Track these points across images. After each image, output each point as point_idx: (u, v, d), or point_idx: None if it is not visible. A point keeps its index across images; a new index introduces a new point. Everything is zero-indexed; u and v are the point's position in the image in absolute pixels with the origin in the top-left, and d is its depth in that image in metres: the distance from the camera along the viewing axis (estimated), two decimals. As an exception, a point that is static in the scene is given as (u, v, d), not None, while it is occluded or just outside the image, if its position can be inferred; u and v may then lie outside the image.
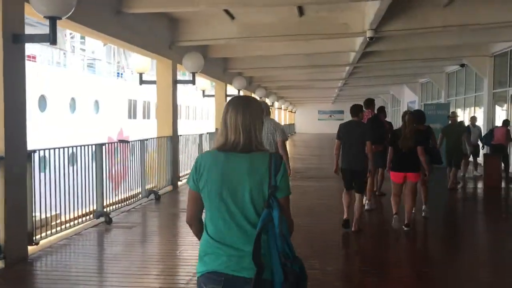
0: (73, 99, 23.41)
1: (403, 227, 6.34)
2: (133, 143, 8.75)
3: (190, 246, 5.85)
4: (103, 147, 7.26)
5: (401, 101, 30.20)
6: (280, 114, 39.11)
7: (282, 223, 2.01)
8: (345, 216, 6.38)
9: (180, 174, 11.25)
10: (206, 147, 12.97)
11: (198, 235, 2.23)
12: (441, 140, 9.70)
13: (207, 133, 13.31)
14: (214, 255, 2.08)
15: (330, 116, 50.86)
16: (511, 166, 11.19)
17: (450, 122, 10.59)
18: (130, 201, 8.35)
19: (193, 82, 10.44)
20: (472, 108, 16.86)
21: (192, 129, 17.90)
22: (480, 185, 11.39)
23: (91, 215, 6.97)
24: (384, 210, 7.85)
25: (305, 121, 51.08)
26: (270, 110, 7.03)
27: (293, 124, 50.15)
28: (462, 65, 16.90)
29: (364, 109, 7.44)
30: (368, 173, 6.26)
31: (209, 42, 11.19)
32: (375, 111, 8.46)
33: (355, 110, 6.38)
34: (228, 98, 16.18)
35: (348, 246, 6.27)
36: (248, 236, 2.05)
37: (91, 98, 24.89)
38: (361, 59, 14.49)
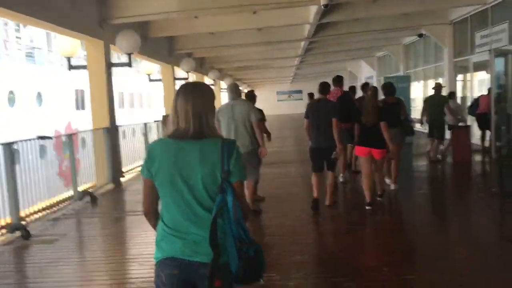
0: (11, 92, 21.53)
1: (377, 198, 6.38)
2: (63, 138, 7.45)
3: (138, 261, 4.87)
4: (14, 146, 6.00)
5: (359, 77, 29.68)
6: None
7: (237, 207, 2.00)
8: (314, 195, 6.22)
9: (124, 169, 10.05)
10: (153, 137, 11.78)
11: (155, 227, 2.19)
12: (424, 111, 9.89)
13: (154, 121, 12.06)
14: (170, 242, 2.07)
15: (289, 96, 50.44)
16: (488, 136, 10.49)
17: (434, 92, 10.15)
18: (58, 207, 7.13)
19: (129, 64, 9.18)
20: (432, 79, 16.28)
21: (139, 118, 16.58)
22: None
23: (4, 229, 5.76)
24: (358, 185, 7.52)
25: (264, 102, 49.43)
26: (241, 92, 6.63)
27: (252, 106, 49.03)
28: (420, 35, 16.26)
29: (332, 86, 7.41)
30: (338, 150, 6.07)
31: (146, 18, 9.92)
32: (344, 89, 8.26)
33: (323, 88, 6.28)
34: (177, 82, 15.18)
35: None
36: (202, 221, 2.04)
37: (32, 90, 23.01)
38: (316, 33, 13.59)
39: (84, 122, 23.95)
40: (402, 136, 7.32)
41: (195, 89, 2.14)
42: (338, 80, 8.07)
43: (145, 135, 11.46)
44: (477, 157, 10.40)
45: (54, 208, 7.02)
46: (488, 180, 8.41)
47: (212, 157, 2.05)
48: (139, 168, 9.36)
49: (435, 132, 9.86)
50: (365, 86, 9.32)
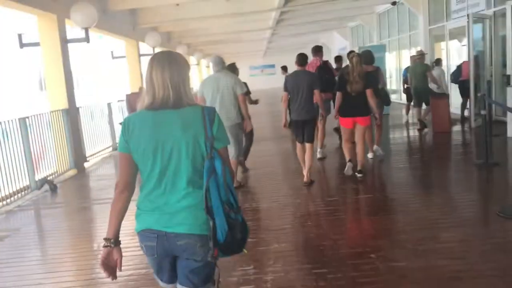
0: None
1: (356, 173, 6.19)
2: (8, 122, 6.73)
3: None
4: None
5: (332, 48, 29.20)
6: (210, 72, 37.10)
7: (226, 172, 1.96)
8: (305, 178, 6.13)
9: (88, 154, 9.42)
10: (118, 117, 11.11)
11: (120, 213, 2.05)
12: (410, 80, 9.98)
13: (118, 101, 11.35)
14: (148, 213, 2.03)
15: (262, 71, 49.78)
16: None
17: (416, 61, 10.03)
18: (12, 198, 6.51)
19: (86, 39, 8.44)
20: (408, 48, 15.92)
21: (104, 97, 15.73)
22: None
23: None
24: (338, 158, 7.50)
25: None
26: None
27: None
28: (394, 3, 15.81)
29: (312, 56, 7.50)
30: (319, 121, 6.05)
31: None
32: (322, 58, 8.13)
33: (301, 59, 6.15)
34: (143, 59, 14.39)
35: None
36: (183, 193, 1.99)
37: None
38: (287, 2, 12.99)
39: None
40: (380, 105, 7.11)
41: (171, 57, 2.05)
42: (317, 49, 7.95)
43: (109, 115, 10.79)
44: (457, 127, 10.12)
45: (8, 200, 6.39)
46: (469, 151, 8.11)
47: (194, 125, 2.00)
48: (105, 151, 8.82)
49: (420, 101, 9.77)
50: (338, 58, 9.48)
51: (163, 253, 2.05)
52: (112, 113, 10.87)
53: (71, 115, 8.54)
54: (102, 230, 5.28)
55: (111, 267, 2.06)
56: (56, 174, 7.98)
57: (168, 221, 2.00)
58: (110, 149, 10.70)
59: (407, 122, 11.25)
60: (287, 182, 6.64)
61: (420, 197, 5.52)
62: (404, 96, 11.28)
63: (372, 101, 5.93)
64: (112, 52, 13.93)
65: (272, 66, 47.45)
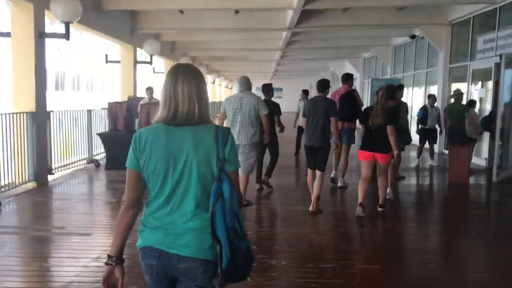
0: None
1: (378, 207, 6.05)
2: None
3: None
4: None
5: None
6: (214, 90, 36.25)
7: (233, 197, 1.88)
8: (313, 207, 6.00)
9: (55, 165, 8.28)
10: (98, 127, 10.01)
11: (125, 229, 1.97)
12: (445, 121, 9.45)
13: (102, 109, 10.25)
14: (152, 231, 1.93)
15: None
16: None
17: (453, 100, 9.40)
18: None
19: (66, 36, 7.39)
20: (423, 86, 14.89)
21: (87, 103, 14.63)
22: (437, 178, 9.33)
23: None
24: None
25: None
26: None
27: (230, 100, 47.43)
28: (413, 37, 14.87)
29: (342, 83, 7.62)
30: (334, 150, 6.09)
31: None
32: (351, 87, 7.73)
33: (322, 85, 6.10)
34: (139, 66, 13.38)
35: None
36: (190, 213, 1.91)
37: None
38: (300, 22, 12.01)
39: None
40: (401, 143, 6.73)
41: (196, 72, 1.98)
42: (347, 78, 7.69)
43: (89, 123, 9.68)
44: (477, 179, 8.94)
45: None
46: (485, 211, 6.97)
47: (207, 144, 1.91)
48: (78, 163, 6.98)
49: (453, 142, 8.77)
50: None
51: (163, 274, 1.95)
52: (92, 122, 9.74)
53: (38, 119, 7.43)
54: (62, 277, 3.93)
55: (113, 285, 1.97)
56: (8, 187, 6.85)
57: (172, 242, 1.90)
58: (85, 161, 9.56)
59: (417, 166, 10.11)
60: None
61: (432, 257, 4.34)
62: (417, 137, 10.20)
63: (392, 139, 5.64)
64: (106, 56, 12.93)
65: (280, 89, 46.64)
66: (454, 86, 12.74)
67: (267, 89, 7.62)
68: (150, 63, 13.19)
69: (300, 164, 10.55)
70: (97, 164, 9.51)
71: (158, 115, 1.93)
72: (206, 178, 1.90)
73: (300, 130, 11.55)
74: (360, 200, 5.84)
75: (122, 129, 9.11)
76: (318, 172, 5.97)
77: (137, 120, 9.31)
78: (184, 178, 1.89)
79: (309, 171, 6.17)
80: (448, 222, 6.03)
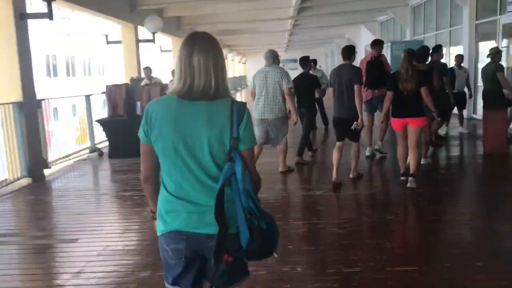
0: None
1: (409, 176, 5.63)
2: None
3: None
4: None
5: (358, 44, 27.04)
6: (227, 65, 35.38)
7: (246, 177, 1.77)
8: (334, 177, 5.78)
9: (53, 158, 7.72)
10: (99, 113, 9.38)
11: (153, 196, 1.96)
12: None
13: (102, 93, 9.59)
14: (174, 213, 1.85)
15: (283, 65, 47.61)
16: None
17: (489, 60, 8.23)
18: None
19: (49, 15, 6.69)
20: (447, 47, 13.79)
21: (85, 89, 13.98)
22: (469, 147, 8.46)
23: None
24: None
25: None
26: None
27: (244, 76, 46.74)
28: (434, -7, 13.75)
29: (371, 49, 7.38)
30: (360, 120, 5.61)
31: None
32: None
33: (346, 52, 5.84)
34: (141, 45, 12.65)
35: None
36: (209, 190, 1.81)
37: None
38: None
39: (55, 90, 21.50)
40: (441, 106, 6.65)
41: (214, 42, 1.85)
42: (375, 43, 7.42)
43: (88, 109, 9.05)
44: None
45: None
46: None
47: (221, 120, 1.79)
48: (77, 154, 6.14)
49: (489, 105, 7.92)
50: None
51: (192, 256, 1.87)
52: (91, 108, 9.11)
53: (27, 109, 6.81)
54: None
55: None
56: (1, 184, 6.30)
57: (198, 222, 1.82)
58: (87, 151, 8.98)
59: (446, 134, 9.22)
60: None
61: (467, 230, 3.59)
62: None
63: (428, 100, 5.48)
64: (106, 36, 12.25)
65: (295, 60, 45.17)
66: (482, 45, 11.70)
67: (304, 62, 7.57)
68: (153, 41, 12.43)
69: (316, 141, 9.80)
70: (100, 153, 8.91)
71: (174, 87, 1.83)
72: (219, 156, 1.81)
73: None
74: (402, 170, 5.72)
75: (123, 114, 8.46)
76: (353, 143, 5.85)
77: (138, 103, 8.62)
78: (196, 155, 1.81)
79: (337, 143, 5.89)
80: (489, 203, 5.18)
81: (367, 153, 7.32)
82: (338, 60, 36.21)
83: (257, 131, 6.02)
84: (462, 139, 9.06)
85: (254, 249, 1.78)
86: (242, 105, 1.85)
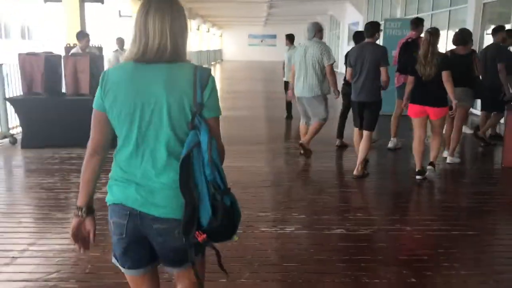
0: None
1: (427, 166, 5.22)
2: None
3: None
4: None
5: (341, 22, 25.26)
6: (201, 38, 33.09)
7: (212, 147, 1.63)
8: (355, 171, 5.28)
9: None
10: (14, 88, 7.34)
11: (89, 181, 1.77)
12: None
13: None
14: (122, 185, 1.72)
15: (262, 41, 46.13)
16: None
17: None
18: None
19: None
20: (445, 29, 12.11)
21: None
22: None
23: None
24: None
25: (234, 46, 46.01)
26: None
27: (220, 50, 44.57)
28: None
29: (411, 30, 6.69)
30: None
31: None
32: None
33: (370, 29, 5.32)
34: (87, 4, 10.53)
35: None
36: (163, 165, 1.68)
37: None
38: None
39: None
40: (473, 96, 5.94)
41: (173, 3, 1.71)
42: (417, 22, 6.64)
43: (1, 84, 7.02)
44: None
45: None
46: None
47: (182, 86, 1.66)
48: None
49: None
50: (498, 29, 6.85)
51: (133, 234, 1.73)
52: (4, 82, 7.07)
53: None
54: None
55: (82, 238, 1.80)
56: None
57: (146, 200, 1.67)
58: (-3, 138, 7.00)
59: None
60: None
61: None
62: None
63: (448, 86, 4.86)
64: (119, 11, 10.41)
65: (274, 36, 43.62)
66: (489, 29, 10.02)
67: (358, 37, 6.31)
68: (102, 1, 10.33)
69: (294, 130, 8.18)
70: (12, 140, 6.94)
71: (127, 53, 1.71)
72: (180, 125, 1.66)
73: (286, 85, 9.20)
74: (418, 167, 5.13)
75: (41, 92, 6.48)
76: (365, 133, 5.29)
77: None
78: (153, 124, 1.66)
79: (356, 130, 5.55)
80: None
81: (390, 144, 6.64)
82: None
83: (300, 110, 6.16)
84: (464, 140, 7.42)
85: (215, 228, 1.63)
86: (207, 70, 1.71)
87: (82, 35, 7.71)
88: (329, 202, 4.56)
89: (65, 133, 6.42)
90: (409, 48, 6.31)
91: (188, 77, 1.66)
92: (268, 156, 6.48)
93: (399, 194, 4.95)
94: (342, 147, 6.73)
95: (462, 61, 5.51)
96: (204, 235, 1.62)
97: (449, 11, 11.82)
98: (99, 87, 1.71)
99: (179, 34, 1.68)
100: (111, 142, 1.77)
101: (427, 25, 12.56)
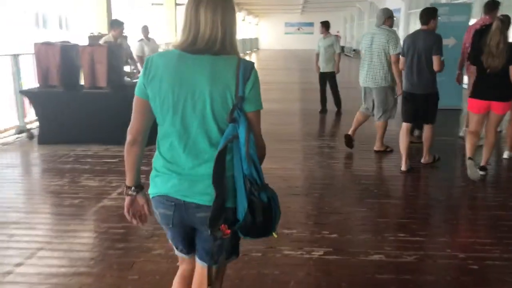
0: None
1: (478, 170, 4.78)
2: None
3: None
4: None
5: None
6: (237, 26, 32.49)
7: (250, 141, 1.64)
8: (402, 166, 5.05)
9: None
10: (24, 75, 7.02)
11: (133, 166, 1.80)
12: None
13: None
14: (166, 177, 1.73)
15: (298, 29, 45.48)
16: None
17: None
18: None
19: None
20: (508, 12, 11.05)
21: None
22: None
23: None
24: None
25: (270, 35, 45.50)
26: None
27: (256, 38, 43.99)
28: None
29: (484, 14, 6.02)
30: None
31: None
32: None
33: (425, 15, 4.99)
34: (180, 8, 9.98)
35: None
36: (205, 156, 1.68)
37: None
38: None
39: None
40: None
41: None
42: (491, 6, 5.89)
43: (17, 73, 6.69)
44: None
45: None
46: None
47: (225, 78, 1.65)
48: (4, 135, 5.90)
49: None
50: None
51: (180, 224, 1.78)
52: (21, 73, 6.75)
53: None
54: None
55: (138, 213, 1.87)
56: None
57: (188, 189, 1.69)
58: (13, 132, 6.69)
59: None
60: None
61: None
62: None
63: None
64: None
65: (311, 24, 42.64)
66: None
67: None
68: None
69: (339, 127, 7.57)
70: (29, 135, 6.61)
71: (177, 40, 1.70)
72: (222, 118, 1.66)
73: (322, 77, 8.61)
74: (469, 154, 4.79)
75: (57, 85, 6.10)
76: (426, 126, 5.12)
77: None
78: (195, 115, 1.66)
79: (404, 125, 5.17)
80: None
81: (505, 155, 5.68)
82: (359, 25, 33.24)
83: (363, 98, 5.89)
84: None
85: (251, 224, 1.64)
86: (250, 63, 1.70)
87: (117, 24, 7.31)
88: (367, 217, 3.93)
89: (81, 129, 6.05)
90: (481, 35, 5.62)
91: (231, 69, 1.64)
92: (299, 156, 5.89)
93: (449, 208, 4.25)
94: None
95: None
96: (229, 231, 1.63)
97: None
98: (141, 74, 1.70)
99: (229, 28, 1.67)
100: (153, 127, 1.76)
101: (479, 8, 11.62)
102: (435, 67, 4.86)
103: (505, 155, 5.57)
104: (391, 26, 5.63)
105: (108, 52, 5.98)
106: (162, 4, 14.25)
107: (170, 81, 1.65)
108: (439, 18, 9.08)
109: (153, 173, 1.77)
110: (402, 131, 5.17)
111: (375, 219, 3.91)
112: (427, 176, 5.16)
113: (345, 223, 3.79)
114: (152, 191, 1.78)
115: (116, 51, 6.20)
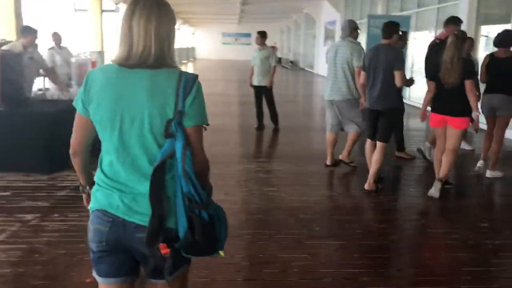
0: None
1: (439, 181, 4.75)
2: None
3: None
4: None
5: (317, 21, 24.17)
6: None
7: (186, 157, 1.56)
8: (368, 185, 4.92)
9: None
10: None
11: (83, 170, 1.81)
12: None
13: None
14: (106, 192, 1.66)
15: (236, 39, 44.85)
16: None
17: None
18: None
19: None
20: (432, 29, 11.02)
21: None
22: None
23: None
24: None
25: (208, 45, 44.81)
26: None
27: (193, 48, 43.17)
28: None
29: (443, 27, 5.98)
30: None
31: None
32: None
33: (387, 30, 4.89)
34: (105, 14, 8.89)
35: None
36: (145, 173, 1.61)
37: None
38: None
39: None
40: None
41: (160, 5, 1.63)
42: (451, 20, 5.73)
43: None
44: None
45: None
46: None
47: (165, 92, 1.58)
48: None
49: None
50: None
51: (115, 242, 1.65)
52: None
53: None
54: None
55: None
56: None
57: (128, 207, 1.61)
58: None
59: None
60: None
61: None
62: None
63: (471, 97, 4.45)
64: (74, 3, 9.23)
65: (248, 35, 42.47)
66: (484, 30, 8.98)
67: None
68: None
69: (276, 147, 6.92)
70: None
71: (115, 55, 1.65)
72: (162, 134, 1.59)
73: (257, 90, 8.18)
74: (437, 174, 4.83)
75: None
76: (379, 144, 4.89)
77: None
78: (134, 132, 1.60)
79: (368, 141, 5.11)
80: None
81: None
82: (295, 36, 33.31)
83: (328, 115, 5.77)
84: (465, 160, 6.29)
85: (192, 242, 1.56)
86: (192, 76, 1.61)
87: (29, 31, 6.26)
88: (307, 267, 3.26)
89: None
90: (437, 50, 5.56)
91: (172, 83, 1.57)
92: (231, 183, 5.18)
93: (404, 252, 3.68)
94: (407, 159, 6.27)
95: (502, 65, 5.26)
96: (168, 250, 1.56)
97: (437, 8, 10.72)
98: (82, 89, 1.64)
99: (166, 38, 1.61)
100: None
101: (412, 25, 11.52)
102: (398, 82, 4.72)
103: (488, 174, 5.50)
104: (356, 38, 5.56)
105: (2, 64, 4.99)
106: (86, 10, 13.16)
107: (107, 97, 1.58)
108: (376, 30, 8.84)
109: (94, 187, 1.70)
110: (366, 147, 5.10)
111: (316, 269, 3.24)
112: (379, 203, 4.62)
113: (282, 276, 3.10)
114: (92, 205, 1.70)
115: (12, 62, 5.20)
